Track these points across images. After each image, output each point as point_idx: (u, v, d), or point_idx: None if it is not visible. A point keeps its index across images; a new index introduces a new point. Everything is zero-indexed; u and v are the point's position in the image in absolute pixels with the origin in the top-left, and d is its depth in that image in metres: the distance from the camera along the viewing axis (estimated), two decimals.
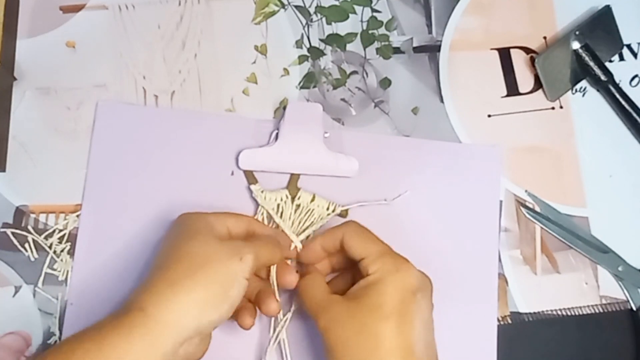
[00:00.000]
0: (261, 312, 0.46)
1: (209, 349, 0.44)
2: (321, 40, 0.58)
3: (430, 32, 0.59)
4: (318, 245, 0.47)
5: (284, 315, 0.49)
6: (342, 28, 0.58)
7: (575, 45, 0.57)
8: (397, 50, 0.58)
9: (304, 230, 0.51)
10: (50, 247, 0.51)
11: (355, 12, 0.58)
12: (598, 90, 0.58)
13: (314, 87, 0.57)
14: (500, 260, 0.53)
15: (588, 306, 0.53)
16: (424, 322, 0.42)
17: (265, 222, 0.51)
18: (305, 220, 0.52)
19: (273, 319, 0.49)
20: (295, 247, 0.49)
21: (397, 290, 0.42)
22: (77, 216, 0.52)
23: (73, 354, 0.38)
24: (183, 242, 0.43)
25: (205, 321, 0.41)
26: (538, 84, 0.58)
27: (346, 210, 0.52)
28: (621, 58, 0.59)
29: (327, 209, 0.52)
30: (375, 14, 0.59)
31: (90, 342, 0.38)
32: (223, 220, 0.46)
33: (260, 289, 0.47)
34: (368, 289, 0.42)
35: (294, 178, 0.53)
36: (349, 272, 0.48)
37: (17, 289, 0.50)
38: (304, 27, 0.58)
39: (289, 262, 0.50)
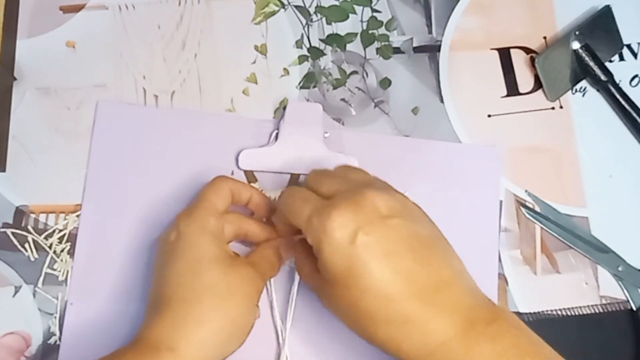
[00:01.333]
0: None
1: None
2: (321, 40, 0.58)
3: (430, 32, 0.59)
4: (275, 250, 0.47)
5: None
6: (342, 28, 0.58)
7: (575, 45, 0.57)
8: (397, 50, 0.58)
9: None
10: (50, 247, 0.51)
11: (355, 12, 0.58)
12: (598, 90, 0.58)
13: (314, 87, 0.57)
14: (500, 260, 0.53)
15: (588, 306, 0.53)
16: (384, 255, 0.37)
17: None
18: None
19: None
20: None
21: (335, 255, 0.37)
22: (77, 216, 0.52)
23: None
24: (202, 272, 0.41)
25: (229, 352, 0.42)
26: (538, 84, 0.58)
27: None
28: (621, 58, 0.59)
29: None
30: (375, 14, 0.59)
31: None
32: (218, 213, 0.44)
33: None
34: (319, 262, 0.39)
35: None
36: None
37: (17, 289, 0.50)
38: (304, 27, 0.58)
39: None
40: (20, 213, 0.52)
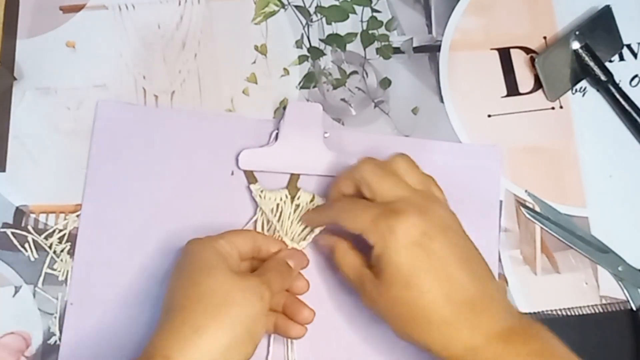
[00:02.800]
0: (295, 321, 0.46)
1: None
2: (321, 40, 0.58)
3: (430, 32, 0.59)
4: (336, 192, 0.47)
5: None
6: (342, 28, 0.58)
7: (575, 45, 0.57)
8: (397, 50, 0.58)
9: (305, 234, 0.51)
10: (50, 247, 0.51)
11: (355, 12, 0.58)
12: (598, 90, 0.58)
13: (314, 87, 0.57)
14: (500, 260, 0.53)
15: (588, 306, 0.53)
16: (444, 261, 0.41)
17: (265, 224, 0.51)
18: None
19: None
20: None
21: (400, 254, 0.41)
22: (77, 216, 0.52)
23: None
24: (201, 279, 0.41)
25: None
26: (538, 84, 0.58)
27: None
28: (621, 58, 0.59)
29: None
30: (375, 14, 0.59)
31: None
32: (232, 243, 0.45)
33: (285, 302, 0.47)
34: (379, 261, 0.42)
35: (293, 178, 0.53)
36: None
37: (17, 289, 0.50)
38: (304, 27, 0.58)
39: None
40: (20, 213, 0.52)
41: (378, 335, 0.50)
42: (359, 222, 0.43)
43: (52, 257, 0.51)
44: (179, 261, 0.44)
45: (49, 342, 0.50)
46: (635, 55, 0.60)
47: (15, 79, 0.55)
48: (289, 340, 0.49)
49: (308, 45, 0.58)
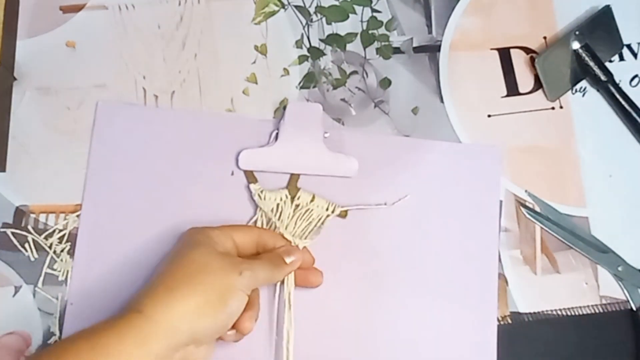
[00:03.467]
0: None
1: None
2: (321, 40, 0.58)
3: (430, 32, 0.59)
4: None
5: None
6: (342, 28, 0.58)
7: (575, 45, 0.57)
8: (397, 50, 0.58)
9: (305, 234, 0.51)
10: (50, 247, 0.51)
11: (355, 12, 0.58)
12: (598, 90, 0.58)
13: (314, 87, 0.57)
14: (500, 260, 0.53)
15: (588, 306, 0.53)
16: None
17: (265, 224, 0.51)
18: (304, 220, 0.52)
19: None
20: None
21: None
22: (77, 216, 0.52)
23: (65, 353, 0.38)
24: (185, 252, 0.44)
25: (200, 327, 0.41)
26: (538, 84, 0.58)
27: (345, 211, 0.52)
28: (621, 58, 0.59)
29: (327, 209, 0.52)
30: (375, 14, 0.59)
31: (84, 342, 0.39)
32: (228, 234, 0.46)
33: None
34: None
35: (293, 178, 0.53)
36: None
37: (17, 289, 0.50)
38: (304, 27, 0.58)
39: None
40: (20, 213, 0.52)
41: (377, 338, 0.50)
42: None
43: (52, 257, 0.51)
44: (174, 244, 0.47)
45: (49, 342, 0.50)
46: (635, 55, 0.60)
47: (15, 79, 0.55)
48: (288, 341, 0.49)
49: (308, 45, 0.58)
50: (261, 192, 0.52)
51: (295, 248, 0.49)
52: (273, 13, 0.58)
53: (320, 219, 0.52)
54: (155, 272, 0.44)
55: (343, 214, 0.52)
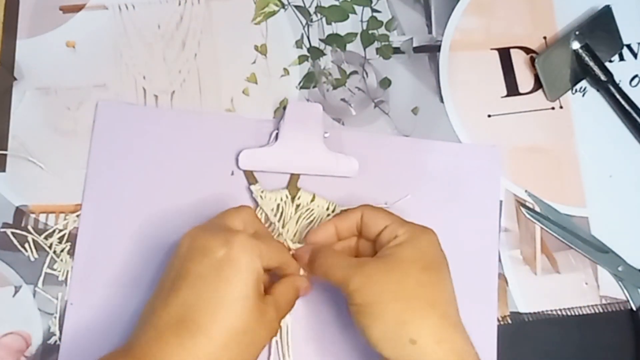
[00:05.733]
0: None
1: None
2: (321, 40, 0.58)
3: (430, 32, 0.59)
4: (332, 226, 0.47)
5: None
6: (342, 28, 0.58)
7: (575, 45, 0.57)
8: (397, 50, 0.58)
9: (303, 235, 0.51)
10: (50, 247, 0.51)
11: (355, 12, 0.58)
12: (598, 90, 0.58)
13: (314, 87, 0.57)
14: (500, 260, 0.53)
15: (588, 306, 0.53)
16: (450, 277, 0.43)
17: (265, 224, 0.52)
18: (305, 219, 0.52)
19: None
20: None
21: (431, 245, 0.43)
22: (77, 216, 0.52)
23: None
24: (229, 306, 0.39)
25: None
26: (538, 84, 0.58)
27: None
28: (621, 58, 0.59)
29: (327, 209, 0.52)
30: (375, 14, 0.59)
31: None
32: (267, 259, 0.42)
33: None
34: (402, 246, 0.43)
35: (294, 178, 0.53)
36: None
37: (17, 289, 0.50)
38: (304, 27, 0.58)
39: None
40: (20, 213, 0.52)
41: None
42: (389, 218, 0.45)
43: (52, 257, 0.51)
44: (217, 260, 0.40)
45: (49, 342, 0.50)
46: (635, 55, 0.60)
47: (15, 79, 0.55)
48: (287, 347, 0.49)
49: (308, 45, 0.58)
50: (262, 192, 0.52)
51: (303, 278, 0.47)
52: (273, 13, 0.58)
53: (320, 219, 0.52)
54: (190, 312, 0.39)
55: None
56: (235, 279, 0.39)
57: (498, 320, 0.52)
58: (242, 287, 0.39)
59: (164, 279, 0.42)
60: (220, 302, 0.39)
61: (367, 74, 0.57)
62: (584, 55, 0.57)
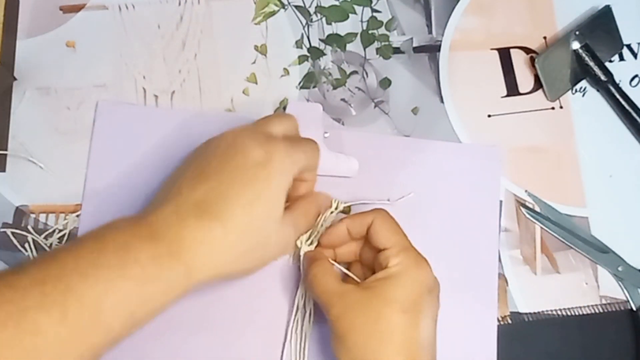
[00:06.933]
0: None
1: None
2: (321, 40, 0.58)
3: (430, 32, 0.59)
4: (344, 227, 0.47)
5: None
6: (342, 28, 0.58)
7: (575, 45, 0.57)
8: (397, 50, 0.58)
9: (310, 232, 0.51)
10: (50, 247, 0.51)
11: (355, 12, 0.58)
12: (598, 90, 0.58)
13: (314, 87, 0.57)
14: (500, 260, 0.53)
15: (588, 306, 0.53)
16: (432, 320, 0.43)
17: None
18: None
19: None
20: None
21: (415, 285, 0.42)
22: (77, 216, 0.52)
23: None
24: (261, 203, 0.42)
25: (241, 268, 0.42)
26: (538, 84, 0.58)
27: (349, 207, 0.52)
28: (621, 58, 0.59)
29: (330, 206, 0.52)
30: (375, 14, 0.59)
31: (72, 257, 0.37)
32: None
33: None
34: (387, 280, 0.43)
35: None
36: (359, 264, 0.49)
37: None
38: (304, 27, 0.58)
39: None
40: (20, 213, 0.52)
41: None
42: (392, 240, 0.45)
43: None
44: (257, 164, 0.42)
45: None
46: (635, 55, 0.60)
47: (15, 79, 0.55)
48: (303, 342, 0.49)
49: (308, 45, 0.58)
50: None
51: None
52: (273, 13, 0.58)
53: (324, 217, 0.51)
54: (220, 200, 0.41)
55: (346, 210, 0.52)
56: (268, 185, 0.42)
57: (498, 320, 0.52)
58: (271, 194, 0.42)
59: (188, 166, 0.44)
60: (246, 199, 0.41)
61: (367, 74, 0.57)
62: (584, 55, 0.57)
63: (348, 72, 0.57)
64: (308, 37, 0.58)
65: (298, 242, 0.49)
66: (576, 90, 0.58)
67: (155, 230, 0.39)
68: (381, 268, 0.44)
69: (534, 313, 0.53)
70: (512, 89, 0.58)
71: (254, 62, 0.57)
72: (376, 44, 0.58)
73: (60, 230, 0.52)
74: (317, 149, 0.48)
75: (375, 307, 0.42)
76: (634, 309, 0.53)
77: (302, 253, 0.48)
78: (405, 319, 0.41)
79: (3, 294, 0.34)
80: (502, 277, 0.53)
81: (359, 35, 0.58)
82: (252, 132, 0.44)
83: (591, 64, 0.57)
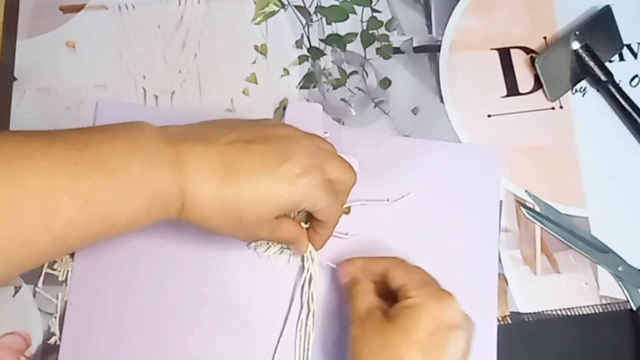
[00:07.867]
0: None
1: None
2: (321, 40, 0.58)
3: (430, 32, 0.59)
4: (357, 266, 0.47)
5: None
6: (342, 28, 0.58)
7: (575, 45, 0.57)
8: (397, 50, 0.58)
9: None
10: None
11: (355, 12, 0.58)
12: (598, 90, 0.58)
13: (314, 87, 0.57)
14: (500, 260, 0.53)
15: (588, 306, 0.53)
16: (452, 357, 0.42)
17: None
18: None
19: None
20: None
21: (431, 319, 0.42)
22: None
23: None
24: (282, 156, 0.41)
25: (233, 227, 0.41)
26: (538, 84, 0.58)
27: (348, 208, 0.52)
28: (621, 58, 0.59)
29: None
30: (375, 14, 0.59)
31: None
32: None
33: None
34: (403, 311, 0.42)
35: None
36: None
37: (17, 289, 0.50)
38: (304, 27, 0.58)
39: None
40: None
41: None
42: (410, 277, 0.44)
43: None
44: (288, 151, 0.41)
45: (49, 342, 0.50)
46: (635, 55, 0.60)
47: (15, 79, 0.55)
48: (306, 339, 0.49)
49: (308, 45, 0.58)
50: None
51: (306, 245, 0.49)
52: (273, 13, 0.58)
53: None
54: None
55: (346, 211, 0.52)
56: (284, 191, 0.41)
57: (498, 320, 0.52)
58: (279, 199, 0.41)
59: (239, 122, 0.44)
60: (264, 180, 0.40)
61: (367, 74, 0.57)
62: (584, 55, 0.57)
63: (348, 72, 0.57)
64: (308, 37, 0.58)
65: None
66: (576, 90, 0.58)
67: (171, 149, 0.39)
68: (400, 301, 0.44)
69: (534, 313, 0.53)
70: (512, 89, 0.58)
71: (254, 62, 0.57)
72: (376, 44, 0.58)
73: None
74: (340, 213, 0.47)
75: (387, 335, 0.42)
76: (634, 309, 0.53)
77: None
78: (414, 350, 0.40)
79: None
80: (502, 277, 0.53)
81: (359, 35, 0.58)
82: (315, 147, 0.43)
83: (591, 64, 0.57)
